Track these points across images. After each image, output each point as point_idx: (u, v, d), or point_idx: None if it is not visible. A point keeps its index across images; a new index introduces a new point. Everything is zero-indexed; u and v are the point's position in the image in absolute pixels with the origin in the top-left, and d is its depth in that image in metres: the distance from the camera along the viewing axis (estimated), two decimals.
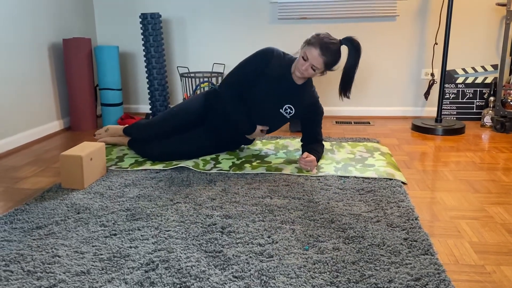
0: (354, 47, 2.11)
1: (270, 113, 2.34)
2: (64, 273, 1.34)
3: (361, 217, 1.70)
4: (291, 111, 2.32)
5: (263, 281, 1.28)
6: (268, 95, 2.28)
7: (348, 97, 2.21)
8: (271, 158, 2.45)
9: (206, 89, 3.45)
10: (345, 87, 2.18)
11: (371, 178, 2.13)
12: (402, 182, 2.10)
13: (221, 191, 1.98)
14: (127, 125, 2.66)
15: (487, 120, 3.23)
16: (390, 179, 2.10)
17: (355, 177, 2.15)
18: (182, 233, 1.59)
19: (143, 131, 2.46)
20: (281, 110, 2.31)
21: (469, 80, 3.45)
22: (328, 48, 2.08)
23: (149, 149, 2.38)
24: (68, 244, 1.52)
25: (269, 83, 2.26)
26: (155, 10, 3.68)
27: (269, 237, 1.55)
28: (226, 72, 3.68)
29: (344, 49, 2.20)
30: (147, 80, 3.45)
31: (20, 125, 2.85)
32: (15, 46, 2.78)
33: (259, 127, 2.38)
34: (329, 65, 2.13)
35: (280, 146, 2.69)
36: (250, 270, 1.34)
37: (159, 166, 2.30)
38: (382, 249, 1.46)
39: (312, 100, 2.35)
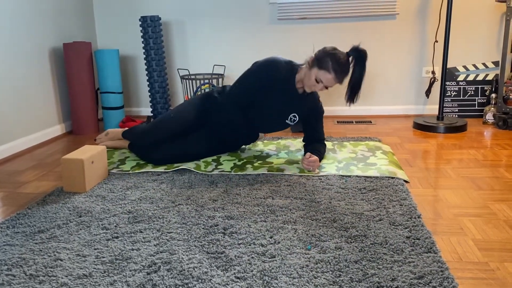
0: (361, 57, 2.09)
1: (275, 124, 2.37)
2: (66, 276, 1.34)
3: (363, 216, 1.69)
4: (295, 119, 2.35)
5: (265, 282, 1.28)
6: (274, 108, 2.30)
7: (354, 103, 2.20)
8: (272, 158, 2.45)
9: (207, 91, 3.45)
10: (353, 95, 2.16)
11: (373, 177, 2.12)
12: (404, 181, 2.10)
13: (222, 192, 1.97)
14: (126, 128, 2.65)
15: (489, 117, 3.22)
16: (392, 178, 2.09)
17: (357, 176, 2.14)
18: (184, 234, 1.58)
19: (140, 138, 2.46)
20: (287, 120, 2.34)
21: (470, 77, 3.43)
22: (342, 71, 2.10)
23: (147, 156, 2.37)
24: (70, 247, 1.52)
25: (274, 96, 2.27)
26: (155, 13, 3.68)
27: (271, 237, 1.55)
28: (227, 73, 3.69)
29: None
30: (148, 82, 3.45)
31: (22, 130, 2.86)
32: (15, 51, 2.79)
33: (261, 134, 2.41)
34: (341, 82, 2.16)
35: (281, 147, 2.68)
36: (252, 271, 1.34)
37: (160, 169, 2.29)
38: (384, 247, 1.45)
39: (313, 102, 2.36)
